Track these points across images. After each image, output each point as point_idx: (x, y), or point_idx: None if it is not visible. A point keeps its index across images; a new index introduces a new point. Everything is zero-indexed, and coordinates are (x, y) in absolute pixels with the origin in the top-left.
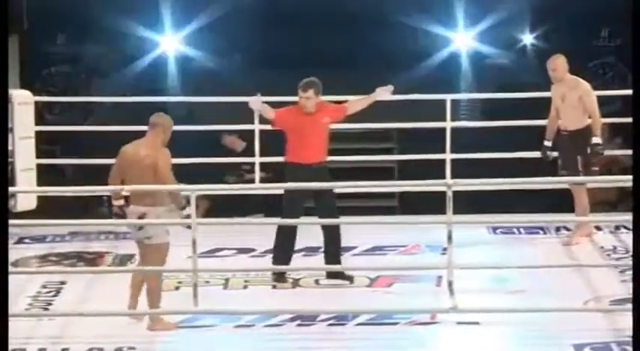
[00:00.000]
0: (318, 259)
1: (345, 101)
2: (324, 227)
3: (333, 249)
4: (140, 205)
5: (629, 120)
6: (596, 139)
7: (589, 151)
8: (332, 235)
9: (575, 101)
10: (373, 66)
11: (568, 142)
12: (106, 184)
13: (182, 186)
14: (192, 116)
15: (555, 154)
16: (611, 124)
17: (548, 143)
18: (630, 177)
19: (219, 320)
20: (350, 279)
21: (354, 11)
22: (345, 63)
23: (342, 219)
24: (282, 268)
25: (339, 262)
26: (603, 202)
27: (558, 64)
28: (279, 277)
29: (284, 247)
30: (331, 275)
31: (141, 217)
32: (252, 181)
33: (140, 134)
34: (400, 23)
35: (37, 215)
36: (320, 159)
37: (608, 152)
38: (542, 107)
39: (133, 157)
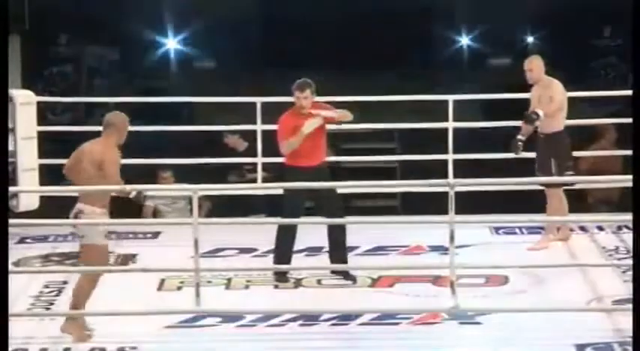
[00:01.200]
0: (320, 259)
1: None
2: (329, 231)
3: (339, 253)
4: (81, 203)
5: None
6: (538, 112)
7: (524, 114)
8: (337, 240)
9: (549, 102)
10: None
11: (543, 145)
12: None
13: (184, 186)
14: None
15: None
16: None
17: (521, 137)
18: (629, 177)
19: (221, 320)
20: (353, 279)
21: None
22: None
23: (344, 219)
24: (283, 267)
25: (344, 261)
26: (605, 201)
27: (535, 65)
28: (281, 277)
29: (284, 247)
30: (336, 272)
31: (77, 213)
32: (253, 180)
33: (141, 134)
34: None
35: (40, 215)
36: (320, 160)
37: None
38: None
39: (83, 154)
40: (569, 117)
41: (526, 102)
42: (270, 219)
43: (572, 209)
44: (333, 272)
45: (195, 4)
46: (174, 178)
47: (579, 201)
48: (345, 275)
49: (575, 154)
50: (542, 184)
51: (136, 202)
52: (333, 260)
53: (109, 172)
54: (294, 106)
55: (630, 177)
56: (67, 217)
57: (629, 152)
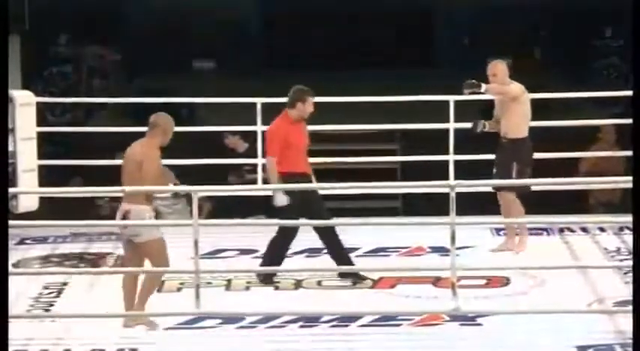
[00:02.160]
0: (320, 261)
1: None
2: (321, 236)
3: (337, 252)
4: (126, 203)
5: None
6: (481, 87)
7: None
8: (332, 243)
9: (510, 106)
10: None
11: (506, 150)
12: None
13: (185, 187)
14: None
15: (484, 128)
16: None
17: (486, 123)
18: (628, 178)
19: (222, 322)
20: (363, 278)
21: None
22: None
23: (345, 220)
24: (269, 269)
25: (349, 262)
26: (606, 203)
27: (498, 69)
28: (267, 279)
29: (279, 252)
30: (343, 274)
31: (125, 214)
32: (253, 181)
33: (141, 135)
34: None
35: (39, 216)
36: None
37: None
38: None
39: (127, 155)
40: (571, 118)
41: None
42: (270, 220)
43: (573, 210)
44: (340, 275)
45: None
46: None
47: (580, 202)
48: (355, 276)
49: (576, 155)
50: (495, 188)
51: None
52: (339, 264)
53: (146, 174)
54: (291, 114)
55: (629, 178)
56: (67, 218)
57: (629, 153)
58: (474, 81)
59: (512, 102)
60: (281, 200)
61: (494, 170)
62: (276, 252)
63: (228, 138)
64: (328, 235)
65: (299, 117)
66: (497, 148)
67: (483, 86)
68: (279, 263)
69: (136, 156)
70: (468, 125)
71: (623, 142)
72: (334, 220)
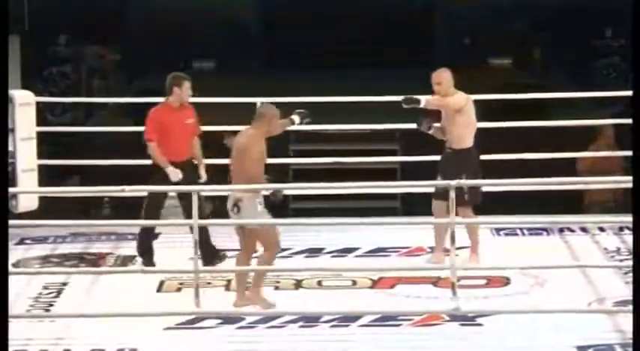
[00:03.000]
0: (320, 261)
1: None
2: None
3: (206, 241)
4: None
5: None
6: (420, 102)
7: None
8: (203, 239)
9: (454, 116)
10: None
11: (451, 161)
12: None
13: (184, 187)
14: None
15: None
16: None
17: (433, 124)
18: (628, 178)
19: (221, 322)
20: (222, 258)
21: None
22: None
23: (345, 220)
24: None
25: (214, 250)
26: (601, 203)
27: (443, 78)
28: (148, 261)
29: (147, 233)
30: (207, 259)
31: (236, 202)
32: None
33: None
34: None
35: (39, 216)
36: (187, 156)
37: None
38: (545, 108)
39: (235, 144)
40: (570, 117)
41: (527, 102)
42: (270, 220)
43: (569, 211)
44: (204, 260)
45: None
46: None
47: (576, 203)
48: (211, 257)
49: (574, 155)
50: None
51: (274, 202)
52: (202, 250)
53: (246, 164)
54: (170, 100)
55: (628, 178)
56: (66, 218)
57: (628, 153)
58: (412, 96)
59: (454, 113)
60: (173, 177)
61: (438, 179)
62: (144, 234)
63: (227, 137)
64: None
65: (178, 102)
66: (441, 157)
67: (422, 100)
68: (150, 242)
69: (239, 145)
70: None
71: (621, 143)
72: (334, 220)
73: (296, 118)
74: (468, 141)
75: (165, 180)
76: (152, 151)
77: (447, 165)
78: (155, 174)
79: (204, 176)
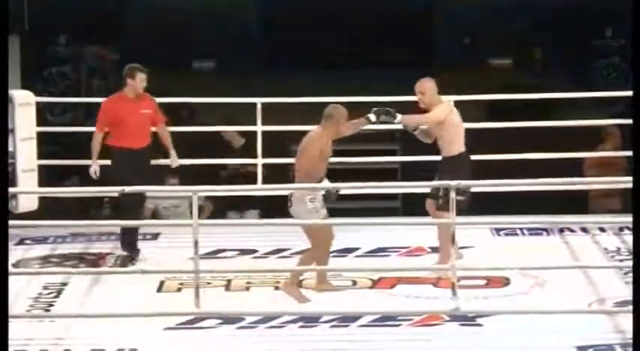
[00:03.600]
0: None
1: None
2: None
3: (128, 230)
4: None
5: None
6: (396, 117)
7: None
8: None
9: (439, 126)
10: None
11: (444, 167)
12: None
13: (184, 187)
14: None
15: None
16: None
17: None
18: (628, 178)
19: (221, 322)
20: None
21: None
22: None
23: (345, 220)
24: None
25: (134, 243)
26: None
27: (426, 87)
28: (132, 251)
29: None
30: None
31: (290, 197)
32: (246, 174)
33: None
34: None
35: (39, 216)
36: (146, 143)
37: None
38: (545, 108)
39: (302, 143)
40: (571, 117)
41: (526, 102)
42: (271, 220)
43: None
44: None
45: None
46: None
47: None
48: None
49: (580, 155)
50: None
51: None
52: (122, 238)
53: (305, 161)
54: (125, 91)
55: (628, 178)
56: (66, 219)
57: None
58: (388, 109)
59: (438, 124)
60: (91, 172)
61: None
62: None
63: (225, 132)
64: (131, 213)
65: (133, 93)
66: (438, 165)
67: (398, 116)
68: (134, 238)
69: (303, 143)
70: (469, 125)
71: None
72: (335, 220)
73: (372, 116)
74: (457, 148)
75: (122, 168)
76: (93, 141)
77: (441, 171)
78: (112, 167)
79: (176, 160)
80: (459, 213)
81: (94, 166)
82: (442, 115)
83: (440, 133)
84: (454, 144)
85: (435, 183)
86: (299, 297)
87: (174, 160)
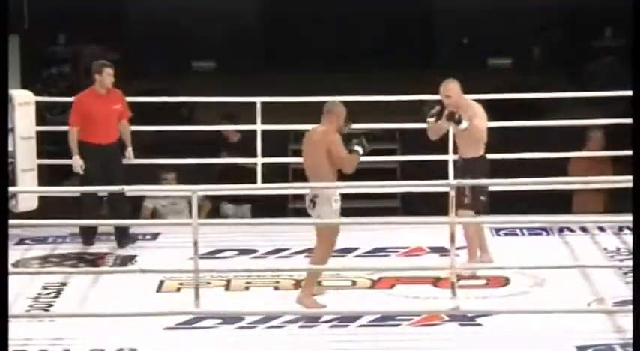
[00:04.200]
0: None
1: None
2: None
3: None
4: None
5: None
6: (462, 123)
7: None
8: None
9: (471, 138)
10: None
11: (462, 169)
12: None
13: (185, 187)
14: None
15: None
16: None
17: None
18: (628, 178)
19: (221, 322)
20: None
21: None
22: None
23: (344, 220)
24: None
25: (126, 234)
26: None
27: (450, 89)
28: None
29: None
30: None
31: (312, 198)
32: (240, 168)
33: (139, 134)
34: None
35: (39, 216)
36: (114, 139)
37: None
38: (545, 108)
39: (307, 140)
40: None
41: (527, 102)
42: (271, 220)
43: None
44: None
45: None
46: (178, 180)
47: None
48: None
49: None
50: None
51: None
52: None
53: (337, 157)
54: (94, 86)
55: (629, 178)
56: (66, 218)
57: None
58: (455, 113)
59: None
60: (75, 166)
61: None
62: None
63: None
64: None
65: (102, 88)
66: (454, 166)
67: (464, 123)
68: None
69: (318, 143)
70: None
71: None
72: (334, 220)
73: (360, 149)
74: (476, 150)
75: (89, 164)
76: (70, 136)
77: (457, 174)
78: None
79: (132, 157)
80: (478, 213)
81: (79, 161)
82: (485, 118)
83: (461, 137)
84: (479, 146)
85: (435, 183)
86: (315, 305)
87: (131, 157)
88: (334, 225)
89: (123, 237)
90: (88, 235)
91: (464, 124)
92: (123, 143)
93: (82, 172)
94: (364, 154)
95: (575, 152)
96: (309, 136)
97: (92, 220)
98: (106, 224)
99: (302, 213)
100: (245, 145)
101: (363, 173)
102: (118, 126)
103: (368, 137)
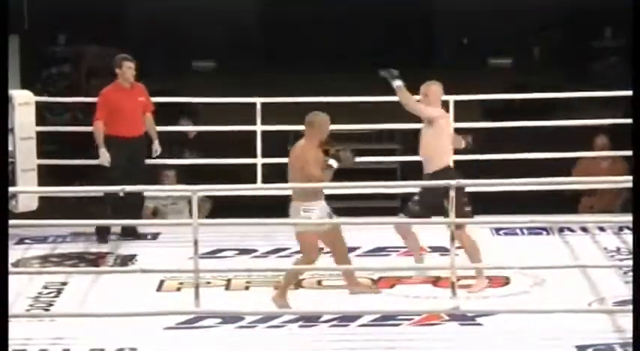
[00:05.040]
0: (320, 260)
1: None
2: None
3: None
4: (294, 201)
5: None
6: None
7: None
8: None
9: (431, 136)
10: None
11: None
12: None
13: (183, 186)
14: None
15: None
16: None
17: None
18: (628, 178)
19: (221, 321)
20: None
21: None
22: None
23: (344, 219)
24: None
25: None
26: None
27: (431, 91)
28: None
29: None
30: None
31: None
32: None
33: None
34: None
35: (38, 216)
36: (140, 132)
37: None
38: (545, 108)
39: (291, 155)
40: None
41: (527, 102)
42: (271, 220)
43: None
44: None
45: None
46: (177, 178)
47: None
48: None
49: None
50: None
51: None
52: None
53: (308, 172)
54: (117, 81)
55: (629, 178)
56: (66, 218)
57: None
58: (395, 72)
59: (428, 124)
60: (102, 160)
61: (418, 207)
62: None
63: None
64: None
65: (125, 82)
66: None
67: (401, 85)
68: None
69: (296, 157)
70: (469, 125)
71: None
72: (334, 220)
73: (334, 162)
74: (448, 160)
75: (116, 156)
76: (94, 129)
77: (424, 190)
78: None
79: (158, 150)
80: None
81: (106, 154)
82: (435, 115)
83: (433, 146)
84: (440, 158)
85: (435, 183)
86: (285, 305)
87: (158, 151)
88: (311, 232)
89: (131, 233)
90: (103, 234)
91: (398, 84)
92: (149, 137)
93: (108, 166)
94: (343, 165)
95: (580, 153)
96: (292, 150)
97: (116, 218)
98: (106, 224)
99: None
100: (202, 141)
101: (364, 173)
102: (143, 119)
103: (353, 151)
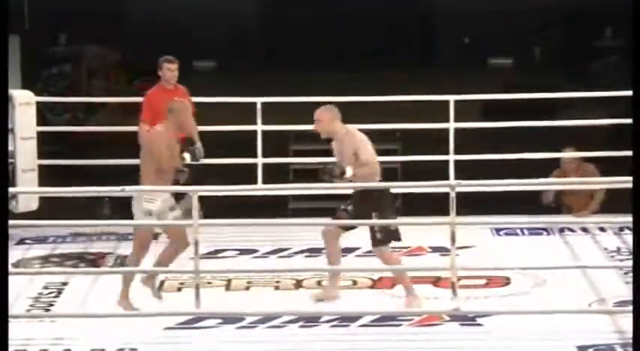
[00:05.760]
0: (320, 261)
1: None
2: None
3: None
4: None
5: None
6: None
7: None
8: None
9: (352, 157)
10: None
11: (361, 200)
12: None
13: (184, 187)
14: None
15: None
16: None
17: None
18: (628, 178)
19: (221, 322)
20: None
21: None
22: None
23: (345, 220)
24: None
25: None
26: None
27: (324, 116)
28: None
29: None
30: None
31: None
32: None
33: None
34: None
35: (39, 216)
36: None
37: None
38: (545, 108)
39: (145, 138)
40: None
41: (526, 102)
42: (271, 220)
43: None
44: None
45: None
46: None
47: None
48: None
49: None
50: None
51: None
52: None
53: (151, 160)
54: (160, 82)
55: (628, 178)
56: (66, 218)
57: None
58: (336, 169)
59: (355, 156)
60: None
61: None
62: None
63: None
64: None
65: (168, 83)
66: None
67: (349, 170)
68: None
69: (145, 142)
70: (469, 125)
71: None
72: (334, 220)
73: (188, 156)
74: (373, 176)
75: None
76: (139, 130)
77: (355, 206)
78: None
79: (202, 153)
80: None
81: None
82: (365, 143)
83: (360, 170)
84: (373, 173)
85: (435, 183)
86: (128, 307)
87: (200, 150)
88: (147, 227)
89: None
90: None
91: (348, 173)
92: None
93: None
94: (194, 161)
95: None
96: (148, 134)
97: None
98: (106, 224)
99: (302, 213)
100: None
101: None
102: None
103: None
